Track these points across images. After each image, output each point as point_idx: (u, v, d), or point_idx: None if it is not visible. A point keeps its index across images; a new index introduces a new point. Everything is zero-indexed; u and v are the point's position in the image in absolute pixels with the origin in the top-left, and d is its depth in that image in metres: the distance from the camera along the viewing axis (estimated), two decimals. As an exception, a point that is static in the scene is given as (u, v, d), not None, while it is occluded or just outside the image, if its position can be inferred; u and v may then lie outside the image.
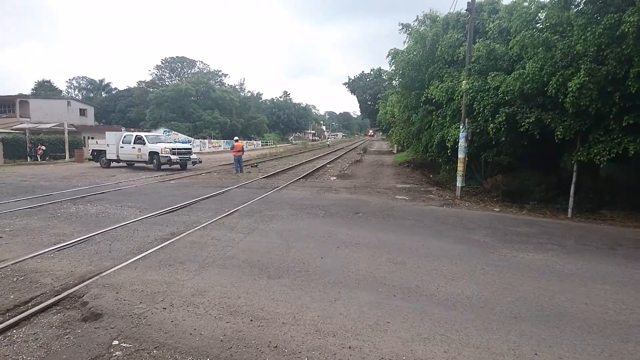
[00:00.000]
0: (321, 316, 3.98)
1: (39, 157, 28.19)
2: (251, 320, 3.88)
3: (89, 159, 24.61)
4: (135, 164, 22.26)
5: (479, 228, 8.12)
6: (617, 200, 11.27)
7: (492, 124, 11.08)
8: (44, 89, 63.91)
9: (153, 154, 20.68)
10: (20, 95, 39.26)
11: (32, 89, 64.73)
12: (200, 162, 23.20)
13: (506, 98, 10.94)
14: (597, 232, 8.28)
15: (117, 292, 4.50)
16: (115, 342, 3.45)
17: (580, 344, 3.53)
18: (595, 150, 9.40)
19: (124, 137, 22.14)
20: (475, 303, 4.33)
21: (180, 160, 20.96)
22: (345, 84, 52.86)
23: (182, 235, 7.04)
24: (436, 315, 4.03)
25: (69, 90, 79.68)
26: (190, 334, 3.61)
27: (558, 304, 4.38)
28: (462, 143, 12.49)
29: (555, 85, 9.36)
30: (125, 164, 22.54)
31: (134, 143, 21.30)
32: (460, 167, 12.62)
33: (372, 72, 46.89)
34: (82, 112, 46.36)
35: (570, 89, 8.87)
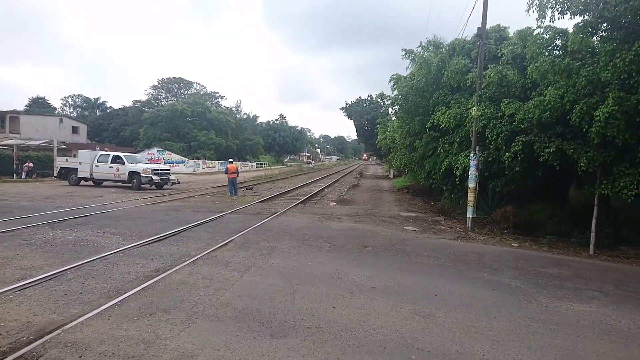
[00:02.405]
0: (344, 399, 3.05)
1: (24, 174, 27.06)
2: (252, 405, 2.94)
3: (56, 177, 24.02)
4: (105, 182, 22.40)
5: (504, 268, 7.24)
6: (635, 236, 10.56)
7: (507, 153, 10.42)
8: (38, 106, 63.15)
9: (133, 173, 20.83)
10: (10, 111, 38.29)
11: (26, 106, 63.96)
12: (179, 182, 23.28)
13: (522, 126, 10.32)
14: (634, 274, 7.44)
15: (80, 356, 3.53)
16: None
17: None
18: (622, 184, 8.69)
19: (99, 156, 22.09)
20: (538, 380, 3.42)
21: (161, 180, 21.41)
22: (342, 108, 52.83)
23: (169, 272, 6.07)
24: (493, 400, 3.11)
25: (64, 107, 79.21)
26: None
27: (639, 381, 3.49)
28: (472, 172, 11.76)
29: (579, 114, 8.73)
30: (92, 183, 22.43)
31: (112, 162, 21.40)
32: (470, 196, 11.84)
33: (369, 98, 46.91)
34: (75, 130, 45.65)
35: (597, 118, 8.24)
